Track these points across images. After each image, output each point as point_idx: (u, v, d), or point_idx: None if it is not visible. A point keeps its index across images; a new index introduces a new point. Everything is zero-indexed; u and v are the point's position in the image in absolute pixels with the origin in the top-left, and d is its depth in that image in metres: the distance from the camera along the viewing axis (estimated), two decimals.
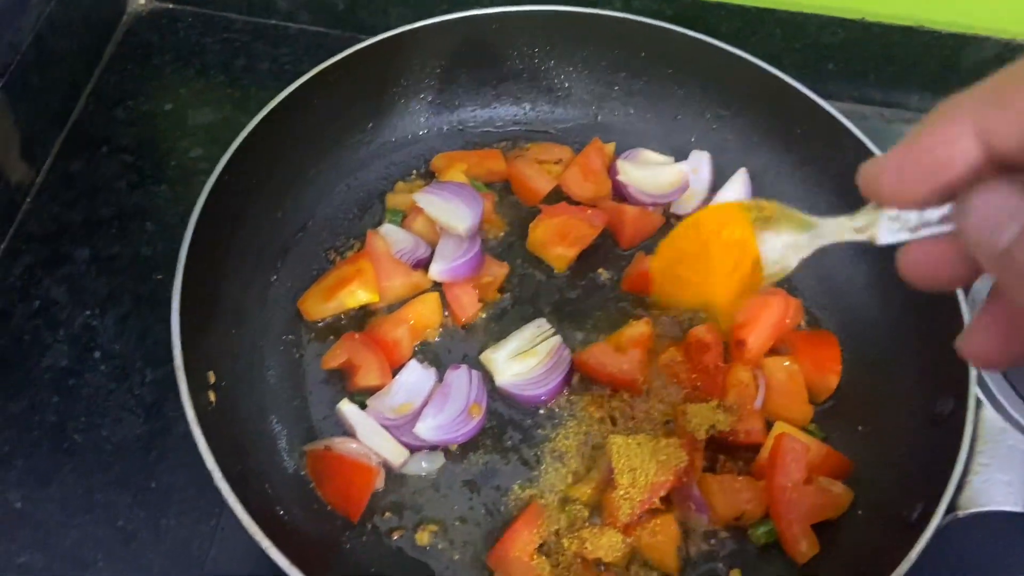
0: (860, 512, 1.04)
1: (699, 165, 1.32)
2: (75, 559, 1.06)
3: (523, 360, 1.13)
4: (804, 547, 1.01)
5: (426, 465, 1.07)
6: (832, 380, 1.14)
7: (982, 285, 1.28)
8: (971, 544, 1.05)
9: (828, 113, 1.22)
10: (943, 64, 1.69)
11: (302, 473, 1.05)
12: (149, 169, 1.40)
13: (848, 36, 1.66)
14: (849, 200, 1.21)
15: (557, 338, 1.15)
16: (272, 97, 1.16)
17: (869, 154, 1.19)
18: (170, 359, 0.95)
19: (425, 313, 1.16)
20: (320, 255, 1.22)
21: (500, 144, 1.35)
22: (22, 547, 1.07)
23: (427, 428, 1.06)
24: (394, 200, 1.26)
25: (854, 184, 1.26)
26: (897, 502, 0.98)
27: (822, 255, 1.23)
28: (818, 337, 1.19)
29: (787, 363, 1.14)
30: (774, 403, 1.12)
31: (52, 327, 1.23)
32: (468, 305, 1.18)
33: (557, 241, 1.23)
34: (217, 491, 0.88)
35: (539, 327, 1.17)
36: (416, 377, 1.09)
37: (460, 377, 1.10)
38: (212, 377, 1.01)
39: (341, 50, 1.21)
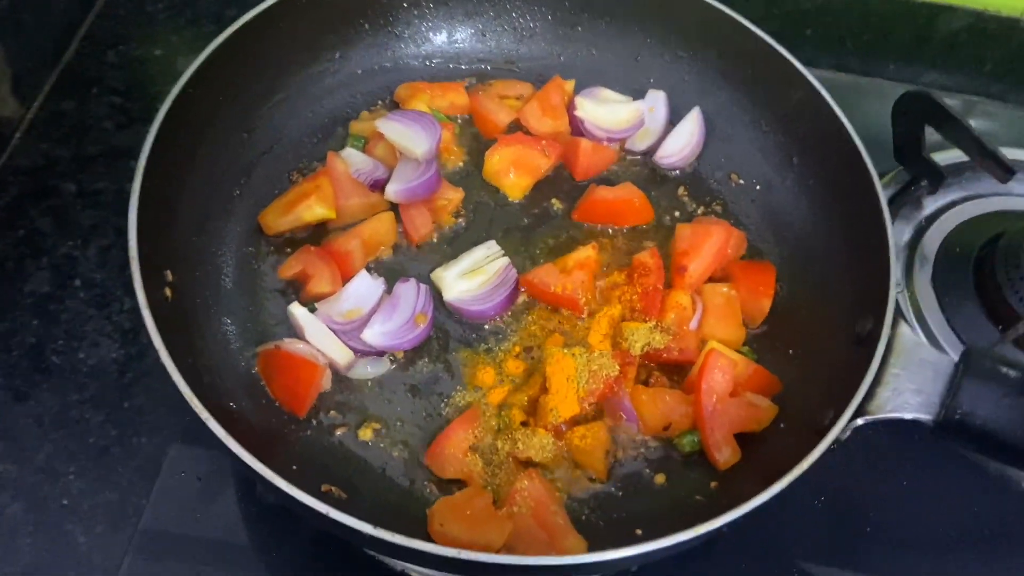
0: (783, 425, 1.08)
1: (656, 104, 1.36)
2: (48, 471, 1.11)
3: (471, 278, 1.17)
4: (726, 455, 1.06)
5: (371, 369, 1.12)
6: (765, 303, 1.18)
7: (930, 240, 1.32)
8: (879, 449, 1.09)
9: (782, 56, 1.26)
10: (917, 33, 1.72)
11: (253, 372, 1.10)
12: (137, 111, 1.45)
13: (826, 1, 1.69)
14: (797, 138, 1.28)
15: (505, 259, 1.20)
16: None
17: (818, 96, 1.22)
18: None
19: (379, 229, 1.20)
20: (284, 176, 1.27)
21: (465, 80, 1.39)
22: None
23: (374, 334, 1.11)
24: (358, 127, 1.31)
25: (803, 123, 1.30)
26: (816, 414, 1.02)
27: (769, 192, 1.30)
28: (756, 266, 1.23)
29: (725, 289, 1.19)
30: (710, 325, 1.16)
31: (35, 255, 1.28)
32: (421, 225, 1.22)
33: (512, 170, 1.27)
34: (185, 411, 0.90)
35: (489, 249, 1.21)
36: (366, 286, 1.14)
37: (408, 288, 1.15)
38: (170, 276, 1.05)
39: None
